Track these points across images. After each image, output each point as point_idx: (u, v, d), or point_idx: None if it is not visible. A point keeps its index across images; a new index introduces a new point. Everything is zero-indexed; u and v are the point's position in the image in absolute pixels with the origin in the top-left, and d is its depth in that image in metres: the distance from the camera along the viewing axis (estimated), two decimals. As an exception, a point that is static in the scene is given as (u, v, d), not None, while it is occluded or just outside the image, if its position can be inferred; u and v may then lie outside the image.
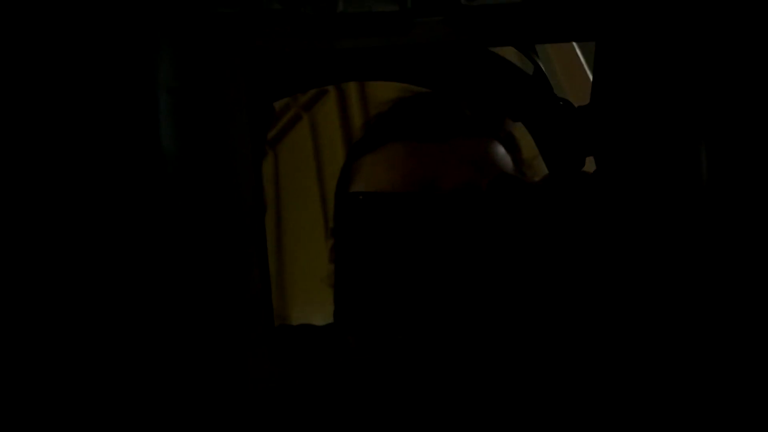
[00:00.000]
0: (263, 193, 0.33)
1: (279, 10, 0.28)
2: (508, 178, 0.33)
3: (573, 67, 0.57)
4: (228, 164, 0.30)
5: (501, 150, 0.44)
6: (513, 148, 0.45)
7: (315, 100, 1.05)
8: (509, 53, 0.37)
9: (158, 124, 0.28)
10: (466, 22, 0.28)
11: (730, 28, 0.28)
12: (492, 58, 0.37)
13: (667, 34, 0.28)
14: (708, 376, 0.28)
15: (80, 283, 0.28)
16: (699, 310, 0.27)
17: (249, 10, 0.28)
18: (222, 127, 0.29)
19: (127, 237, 0.28)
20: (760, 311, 0.27)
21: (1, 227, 0.28)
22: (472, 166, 0.42)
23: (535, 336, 0.30)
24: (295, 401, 0.30)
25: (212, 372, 0.29)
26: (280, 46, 0.28)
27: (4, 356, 0.28)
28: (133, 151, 0.28)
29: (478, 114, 0.44)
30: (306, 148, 1.07)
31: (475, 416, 0.29)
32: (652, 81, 0.29)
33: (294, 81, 0.39)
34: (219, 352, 0.29)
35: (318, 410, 0.29)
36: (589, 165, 0.34)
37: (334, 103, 1.03)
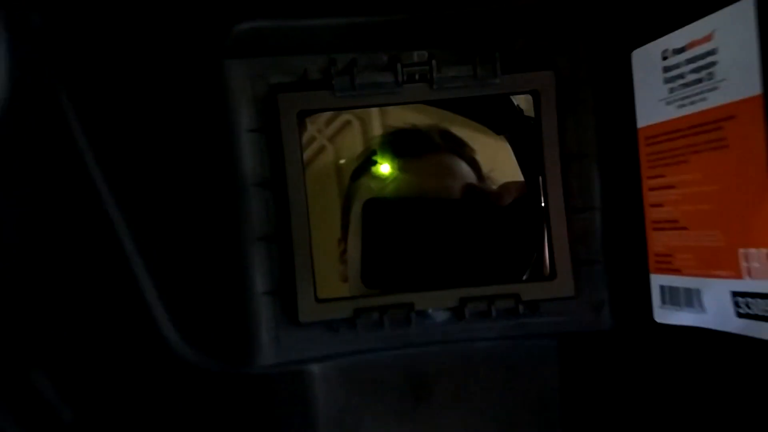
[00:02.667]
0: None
1: (318, 80, 0.43)
2: (476, 189, 0.49)
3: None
4: (283, 174, 0.45)
5: (465, 165, 0.60)
6: (474, 164, 0.60)
7: (339, 131, 1.19)
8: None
9: (241, 154, 0.44)
10: (439, 88, 0.43)
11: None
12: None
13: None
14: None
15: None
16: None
17: (300, 79, 0.44)
18: (281, 152, 0.44)
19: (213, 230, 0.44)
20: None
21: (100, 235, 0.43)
22: (442, 172, 0.58)
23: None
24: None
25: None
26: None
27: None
28: (223, 174, 0.44)
29: (446, 139, 0.60)
30: (329, 173, 1.20)
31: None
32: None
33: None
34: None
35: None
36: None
37: (358, 133, 1.16)
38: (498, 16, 0.42)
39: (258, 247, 0.44)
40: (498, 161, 0.63)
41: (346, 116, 1.16)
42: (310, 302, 0.43)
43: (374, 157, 0.57)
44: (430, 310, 0.44)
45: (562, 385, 0.45)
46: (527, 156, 0.50)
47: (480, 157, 0.61)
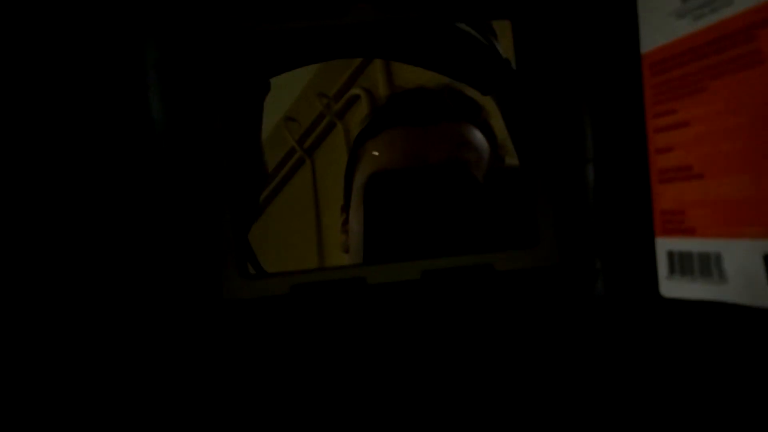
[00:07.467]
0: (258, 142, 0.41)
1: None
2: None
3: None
4: (205, 124, 0.36)
5: (478, 133, 0.52)
6: (488, 132, 0.52)
7: (348, 107, 1.12)
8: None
9: (147, 95, 0.35)
10: (391, 6, 0.35)
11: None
12: (462, 36, 0.44)
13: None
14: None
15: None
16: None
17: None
18: (201, 95, 0.36)
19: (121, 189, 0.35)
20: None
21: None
22: (453, 144, 0.50)
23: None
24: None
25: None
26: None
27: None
28: (127, 117, 0.35)
29: (459, 103, 0.51)
30: (341, 152, 1.14)
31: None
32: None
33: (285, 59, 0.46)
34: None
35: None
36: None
37: (366, 108, 1.09)
38: None
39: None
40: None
41: (354, 91, 1.08)
42: (235, 278, 0.35)
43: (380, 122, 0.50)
44: (387, 285, 0.36)
45: (543, 368, 0.37)
46: (517, 116, 0.43)
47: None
